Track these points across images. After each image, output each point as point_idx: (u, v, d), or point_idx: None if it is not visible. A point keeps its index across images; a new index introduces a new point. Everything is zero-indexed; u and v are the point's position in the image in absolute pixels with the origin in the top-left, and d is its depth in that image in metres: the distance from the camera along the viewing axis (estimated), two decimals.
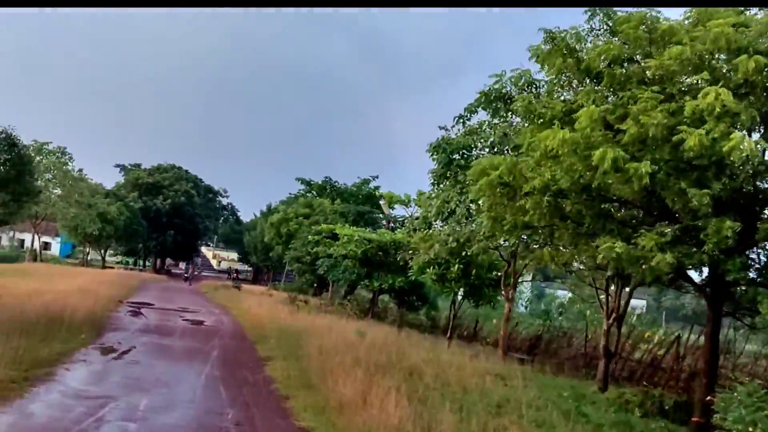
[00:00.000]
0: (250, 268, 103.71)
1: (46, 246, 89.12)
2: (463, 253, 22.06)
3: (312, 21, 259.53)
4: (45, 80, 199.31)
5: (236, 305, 32.31)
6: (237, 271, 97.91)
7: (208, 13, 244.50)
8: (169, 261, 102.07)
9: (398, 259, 31.26)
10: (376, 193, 57.95)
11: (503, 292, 23.41)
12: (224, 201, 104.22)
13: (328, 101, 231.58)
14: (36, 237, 59.89)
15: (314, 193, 60.99)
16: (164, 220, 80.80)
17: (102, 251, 70.21)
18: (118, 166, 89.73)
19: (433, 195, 24.33)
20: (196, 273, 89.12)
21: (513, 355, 24.75)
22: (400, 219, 50.85)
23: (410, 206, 40.16)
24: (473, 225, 21.13)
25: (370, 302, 36.99)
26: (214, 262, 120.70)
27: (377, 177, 59.18)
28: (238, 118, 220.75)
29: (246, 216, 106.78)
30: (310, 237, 35.01)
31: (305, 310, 30.61)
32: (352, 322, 25.87)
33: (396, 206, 47.06)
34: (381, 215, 55.98)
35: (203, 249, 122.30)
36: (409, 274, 27.10)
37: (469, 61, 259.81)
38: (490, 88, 17.43)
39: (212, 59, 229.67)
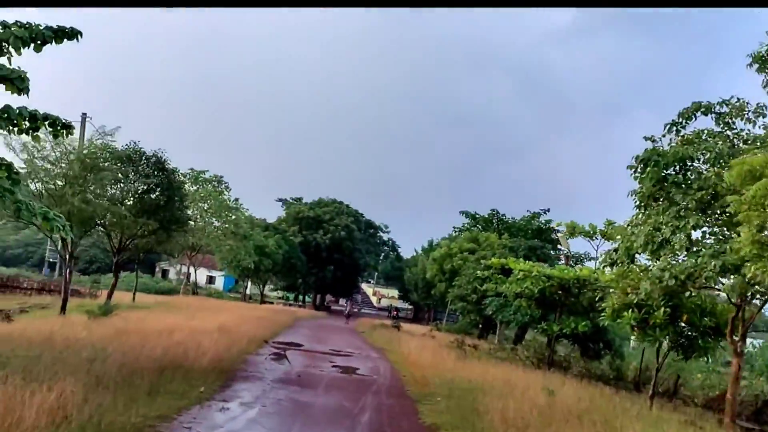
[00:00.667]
0: (410, 306, 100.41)
1: (210, 280, 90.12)
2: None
3: (472, 59, 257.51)
4: (213, 112, 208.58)
5: (395, 348, 28.31)
6: (397, 309, 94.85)
7: (379, 54, 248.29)
8: (329, 297, 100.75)
9: (582, 299, 26.56)
10: (550, 226, 52.76)
11: (730, 344, 17.91)
12: (385, 237, 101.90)
13: (489, 139, 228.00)
14: (191, 269, 59.21)
15: (479, 227, 56.65)
16: (324, 255, 79.17)
17: (261, 285, 69.00)
18: (279, 200, 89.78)
19: (638, 221, 19.17)
20: (355, 310, 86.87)
21: (742, 423, 19.36)
22: (579, 255, 45.49)
23: (596, 238, 34.75)
24: (698, 257, 15.96)
25: (546, 348, 32.00)
26: (374, 299, 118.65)
27: (548, 210, 53.98)
28: (401, 156, 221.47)
29: (407, 252, 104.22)
30: (478, 273, 30.49)
31: (473, 356, 26.15)
32: (531, 374, 21.19)
33: (575, 238, 41.75)
34: (554, 251, 50.70)
35: (363, 285, 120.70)
36: (601, 317, 22.15)
37: (635, 99, 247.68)
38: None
39: (375, 99, 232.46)
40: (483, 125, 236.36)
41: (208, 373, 14.26)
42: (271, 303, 77.16)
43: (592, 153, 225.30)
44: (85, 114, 32.11)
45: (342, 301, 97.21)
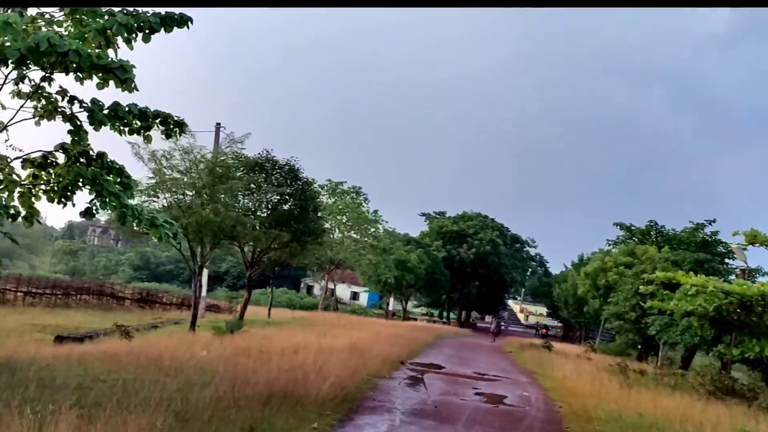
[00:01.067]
0: (559, 324, 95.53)
1: (354, 296, 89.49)
2: None
3: (627, 73, 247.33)
4: (353, 128, 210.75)
5: (548, 371, 25.24)
6: (546, 327, 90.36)
7: (521, 61, 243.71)
8: (474, 314, 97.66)
9: (766, 318, 22.83)
10: (717, 238, 47.62)
11: None
12: (532, 251, 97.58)
13: (642, 150, 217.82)
14: (332, 284, 58.05)
15: (635, 239, 52.09)
16: (468, 271, 76.42)
17: (403, 301, 67.11)
18: (422, 214, 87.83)
19: None
20: (502, 327, 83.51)
21: None
22: (760, 269, 40.49)
23: None
24: None
25: (725, 374, 27.86)
26: (521, 317, 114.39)
27: (714, 221, 48.67)
28: (550, 168, 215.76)
29: (555, 268, 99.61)
30: (641, 288, 26.87)
31: (639, 382, 22.70)
32: (710, 406, 17.68)
33: (749, 250, 36.79)
34: (722, 264, 45.65)
35: (510, 302, 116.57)
36: None
37: None
38: None
39: (518, 108, 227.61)
40: (635, 136, 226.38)
41: (327, 402, 12.08)
42: (414, 319, 75.28)
43: (755, 164, 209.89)
44: (219, 124, 31.22)
45: (488, 318, 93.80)
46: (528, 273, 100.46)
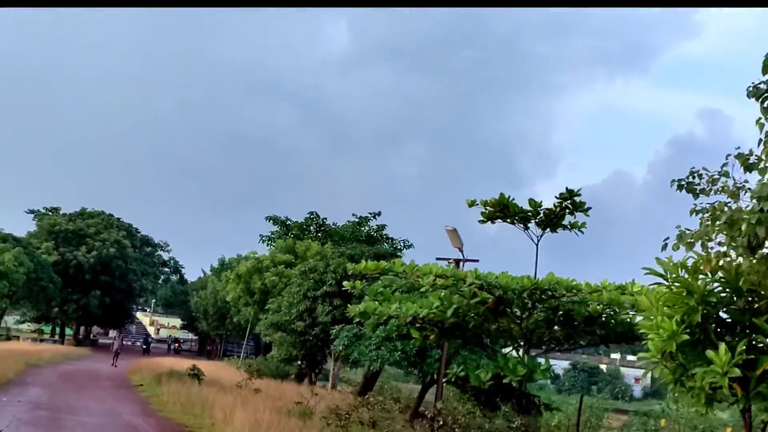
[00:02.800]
0: (194, 337, 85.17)
1: None
2: None
3: (262, 90, 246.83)
4: None
5: (206, 423, 15.53)
6: (178, 341, 79.82)
7: (154, 77, 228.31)
8: (96, 329, 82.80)
9: None
10: (384, 233, 41.91)
11: None
12: (165, 256, 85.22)
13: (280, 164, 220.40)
14: None
15: (292, 234, 44.21)
16: (88, 278, 62.81)
17: None
18: (30, 211, 71.18)
19: None
20: (128, 343, 71.52)
21: None
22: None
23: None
24: None
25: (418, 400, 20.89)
26: (151, 330, 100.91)
27: (380, 214, 43.05)
28: (189, 179, 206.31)
29: (191, 275, 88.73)
30: (346, 285, 18.08)
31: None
32: None
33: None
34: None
35: (139, 314, 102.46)
36: None
37: (409, 127, 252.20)
38: None
39: (156, 126, 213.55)
40: (268, 151, 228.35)
41: None
42: (16, 338, 59.85)
43: (370, 179, 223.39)
44: None
45: (112, 333, 79.42)
46: (160, 280, 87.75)
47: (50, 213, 69.83)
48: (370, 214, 43.51)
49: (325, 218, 43.91)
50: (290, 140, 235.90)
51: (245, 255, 38.43)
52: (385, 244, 41.84)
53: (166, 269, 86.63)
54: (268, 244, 43.15)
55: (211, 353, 69.30)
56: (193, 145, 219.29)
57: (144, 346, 64.53)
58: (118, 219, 73.75)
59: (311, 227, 44.05)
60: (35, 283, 48.30)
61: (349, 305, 18.14)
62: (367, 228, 42.82)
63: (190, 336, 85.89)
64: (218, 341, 66.93)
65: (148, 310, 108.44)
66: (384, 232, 42.52)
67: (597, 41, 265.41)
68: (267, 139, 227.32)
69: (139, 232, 78.09)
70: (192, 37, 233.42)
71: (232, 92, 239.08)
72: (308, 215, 43.66)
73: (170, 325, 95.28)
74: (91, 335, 79.46)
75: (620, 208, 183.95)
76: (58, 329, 70.15)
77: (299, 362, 34.53)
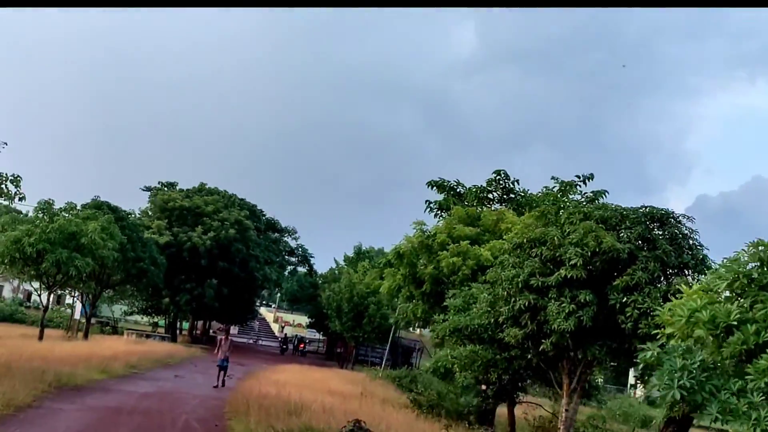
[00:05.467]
0: (322, 338, 73.57)
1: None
2: None
3: (383, 92, 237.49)
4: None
5: None
6: (302, 341, 68.77)
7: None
8: (216, 324, 72.63)
9: None
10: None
11: None
12: (292, 243, 74.36)
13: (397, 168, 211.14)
14: None
15: (453, 201, 31.49)
16: (203, 263, 52.86)
17: (87, 304, 41.19)
18: (146, 188, 61.99)
19: None
20: (250, 342, 61.42)
21: None
22: None
23: None
24: None
25: None
26: (275, 327, 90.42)
27: (592, 177, 29.93)
28: (310, 177, 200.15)
29: (322, 266, 77.66)
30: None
31: None
32: None
33: None
34: None
35: (262, 309, 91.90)
36: None
37: (534, 131, 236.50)
38: None
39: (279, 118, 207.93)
40: (388, 154, 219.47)
41: None
42: (120, 334, 50.57)
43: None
44: None
45: (233, 329, 69.02)
46: (287, 271, 76.79)
47: (165, 189, 60.51)
48: (578, 177, 30.52)
49: (516, 180, 31.04)
50: (413, 142, 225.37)
51: (411, 224, 26.11)
52: None
53: (293, 258, 76.02)
54: (436, 214, 30.83)
55: (342, 358, 57.73)
56: (320, 142, 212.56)
57: (284, 346, 64.70)
58: (242, 199, 63.66)
59: (495, 192, 31.28)
60: (133, 264, 37.94)
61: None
62: (577, 195, 29.87)
63: (317, 336, 74.82)
64: (352, 344, 55.18)
65: (272, 305, 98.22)
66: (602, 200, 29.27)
67: (736, 42, 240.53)
68: (389, 140, 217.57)
69: (264, 215, 67.94)
70: (322, 39, 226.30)
71: (358, 94, 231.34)
72: (493, 174, 30.82)
73: (296, 323, 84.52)
74: (212, 331, 70.00)
75: (760, 216, 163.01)
76: (170, 323, 60.77)
77: (482, 392, 21.92)
